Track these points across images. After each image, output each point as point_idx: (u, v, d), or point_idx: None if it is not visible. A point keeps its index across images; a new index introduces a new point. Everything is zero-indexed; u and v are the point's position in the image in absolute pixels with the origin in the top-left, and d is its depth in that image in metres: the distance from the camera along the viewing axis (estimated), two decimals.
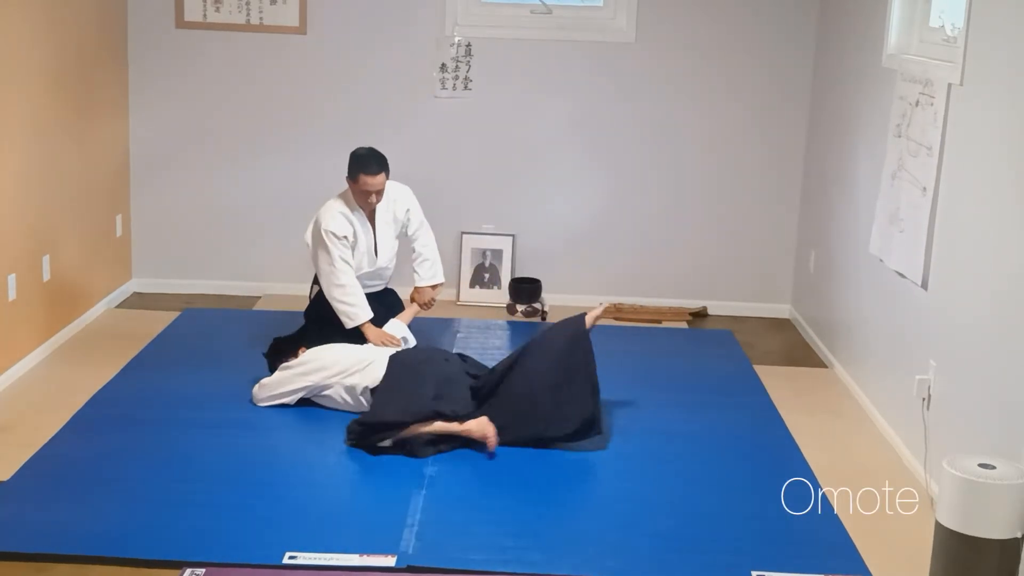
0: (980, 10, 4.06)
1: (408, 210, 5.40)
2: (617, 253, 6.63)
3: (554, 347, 4.63)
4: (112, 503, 3.94)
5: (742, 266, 6.64)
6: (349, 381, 4.73)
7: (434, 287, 5.47)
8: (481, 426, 4.40)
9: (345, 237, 5.14)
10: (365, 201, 5.17)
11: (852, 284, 5.47)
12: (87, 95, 5.89)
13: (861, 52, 5.48)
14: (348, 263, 5.15)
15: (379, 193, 5.18)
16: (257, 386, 4.85)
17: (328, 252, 5.12)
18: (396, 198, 5.35)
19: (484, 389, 4.63)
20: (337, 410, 4.78)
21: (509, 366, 4.65)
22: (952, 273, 4.23)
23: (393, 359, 4.71)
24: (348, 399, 4.75)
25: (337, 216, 5.15)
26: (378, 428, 4.39)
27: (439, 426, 4.41)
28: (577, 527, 3.89)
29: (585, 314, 4.72)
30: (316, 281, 5.39)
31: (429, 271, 5.46)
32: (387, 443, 4.40)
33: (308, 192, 6.29)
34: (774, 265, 6.64)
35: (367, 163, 5.10)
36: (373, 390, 4.63)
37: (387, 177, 5.20)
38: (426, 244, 5.47)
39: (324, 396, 4.80)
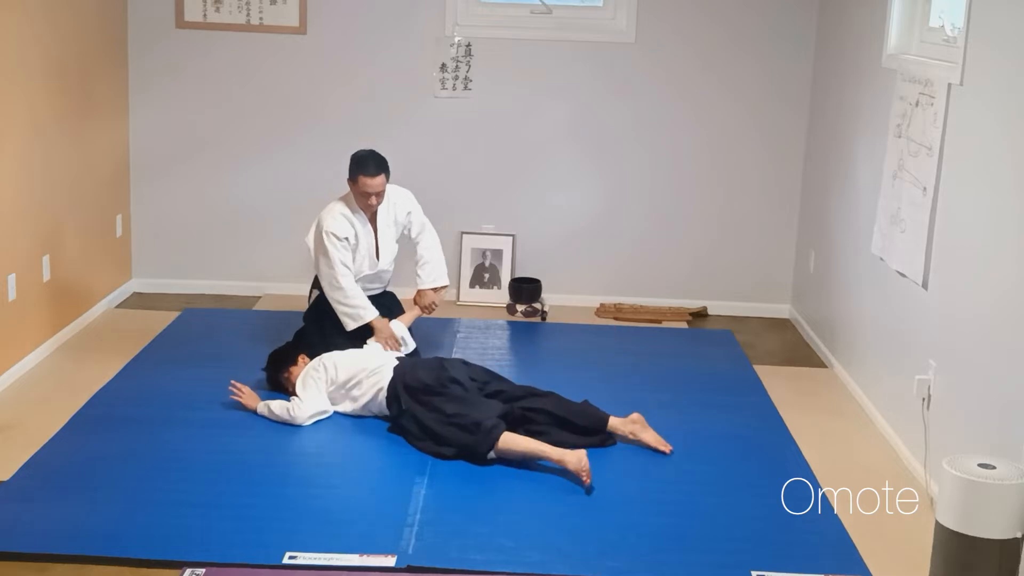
0: (980, 10, 4.06)
1: (409, 212, 5.40)
2: (617, 253, 6.64)
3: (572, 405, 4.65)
4: (112, 503, 3.94)
5: (742, 266, 6.64)
6: (356, 392, 4.73)
7: (436, 290, 5.45)
8: (579, 459, 4.18)
9: (346, 239, 5.14)
10: (365, 203, 5.17)
11: (852, 284, 5.47)
12: (87, 95, 5.90)
13: (861, 52, 5.48)
14: (348, 267, 5.15)
15: (379, 195, 5.17)
16: (286, 409, 4.68)
17: (328, 255, 5.12)
18: (396, 201, 5.35)
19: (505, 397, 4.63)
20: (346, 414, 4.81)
21: (530, 393, 4.64)
22: (952, 273, 4.23)
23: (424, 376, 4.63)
24: (357, 408, 4.76)
25: (339, 218, 5.15)
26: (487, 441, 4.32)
27: (533, 447, 4.29)
28: (577, 527, 3.89)
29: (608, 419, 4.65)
30: (316, 285, 5.39)
31: (431, 274, 5.44)
32: (492, 455, 4.34)
33: (308, 192, 6.30)
34: (774, 265, 6.65)
35: (366, 164, 5.11)
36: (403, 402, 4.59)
37: (387, 179, 5.19)
38: (428, 247, 5.46)
39: (341, 405, 4.80)
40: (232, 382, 4.83)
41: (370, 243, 5.27)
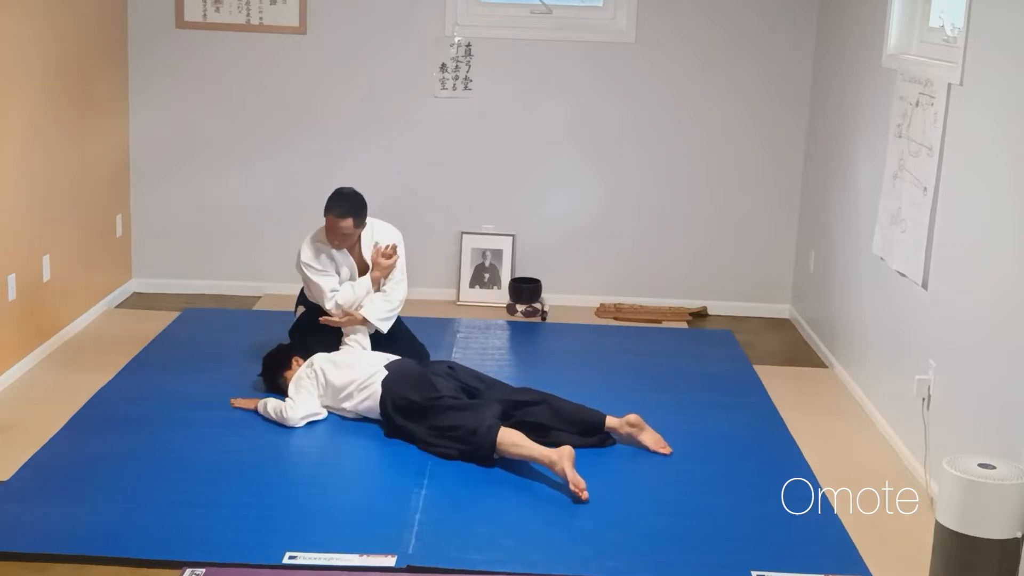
0: (980, 10, 4.06)
1: (395, 247, 5.20)
2: (617, 253, 6.63)
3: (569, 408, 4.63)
4: (112, 503, 3.94)
5: (742, 266, 6.64)
6: (347, 404, 4.73)
7: (387, 252, 5.14)
8: (564, 463, 4.13)
9: (323, 270, 5.08)
10: (330, 240, 5.06)
11: (852, 284, 5.47)
12: (87, 95, 5.89)
13: (861, 52, 5.48)
14: (335, 288, 5.07)
15: (343, 238, 5.03)
16: (279, 410, 4.68)
17: (314, 284, 5.06)
18: (379, 240, 5.18)
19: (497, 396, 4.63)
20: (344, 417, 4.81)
21: (523, 403, 4.61)
22: (952, 273, 4.23)
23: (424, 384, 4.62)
24: (349, 416, 4.77)
25: (311, 248, 5.08)
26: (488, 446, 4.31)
27: (525, 451, 4.25)
28: (577, 527, 3.89)
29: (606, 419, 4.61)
30: (301, 301, 5.35)
31: (374, 301, 5.10)
32: (496, 456, 4.33)
33: (308, 192, 6.29)
34: (774, 265, 6.64)
35: (337, 203, 4.99)
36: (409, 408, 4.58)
37: (356, 226, 5.03)
38: (394, 289, 5.17)
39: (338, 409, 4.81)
40: (231, 401, 4.86)
41: (353, 271, 5.16)
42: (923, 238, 4.44)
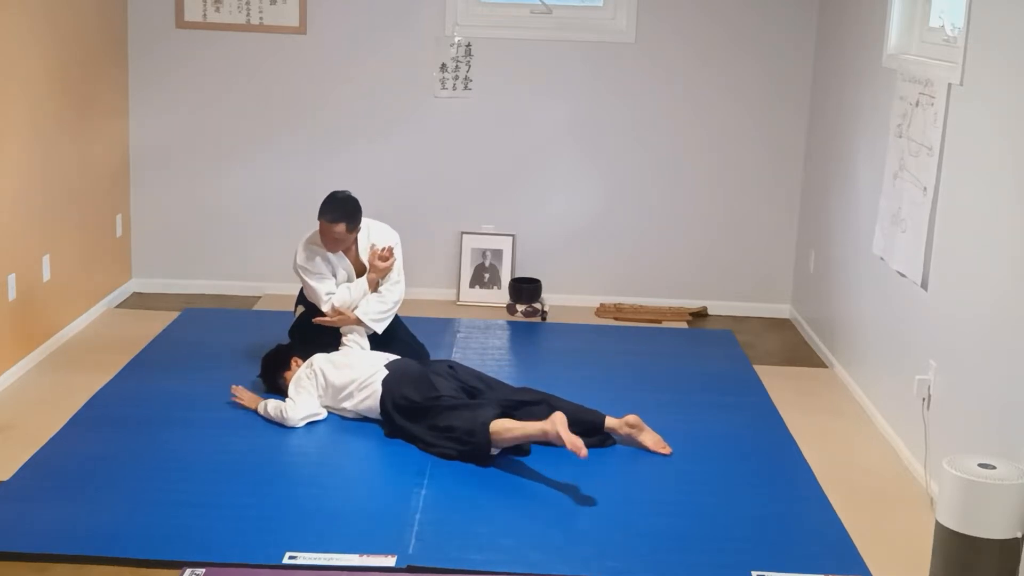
0: (980, 10, 4.06)
1: (392, 248, 5.18)
2: (617, 253, 6.63)
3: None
4: (112, 503, 3.94)
5: (742, 266, 6.64)
6: (348, 404, 4.73)
7: (383, 254, 5.10)
8: (559, 430, 4.18)
9: (319, 273, 5.09)
10: (324, 244, 5.05)
11: (852, 284, 5.48)
12: (87, 95, 5.89)
13: (861, 52, 5.48)
14: (331, 292, 5.07)
15: (335, 242, 5.01)
16: (279, 410, 4.68)
17: (308, 287, 5.08)
18: (376, 242, 5.15)
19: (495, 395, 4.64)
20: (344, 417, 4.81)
21: (521, 403, 4.60)
22: (952, 273, 4.23)
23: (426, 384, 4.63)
24: (349, 416, 4.77)
25: (307, 251, 5.08)
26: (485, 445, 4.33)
27: (518, 433, 4.27)
28: (577, 527, 3.89)
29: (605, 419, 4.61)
30: (300, 301, 5.34)
31: (369, 302, 5.08)
32: (494, 451, 4.35)
33: (308, 192, 6.27)
34: (774, 265, 6.64)
35: (330, 208, 4.97)
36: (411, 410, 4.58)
37: (349, 231, 4.99)
38: (390, 291, 5.13)
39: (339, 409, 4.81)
40: (232, 388, 4.85)
41: (350, 273, 5.16)
42: (923, 238, 4.44)
